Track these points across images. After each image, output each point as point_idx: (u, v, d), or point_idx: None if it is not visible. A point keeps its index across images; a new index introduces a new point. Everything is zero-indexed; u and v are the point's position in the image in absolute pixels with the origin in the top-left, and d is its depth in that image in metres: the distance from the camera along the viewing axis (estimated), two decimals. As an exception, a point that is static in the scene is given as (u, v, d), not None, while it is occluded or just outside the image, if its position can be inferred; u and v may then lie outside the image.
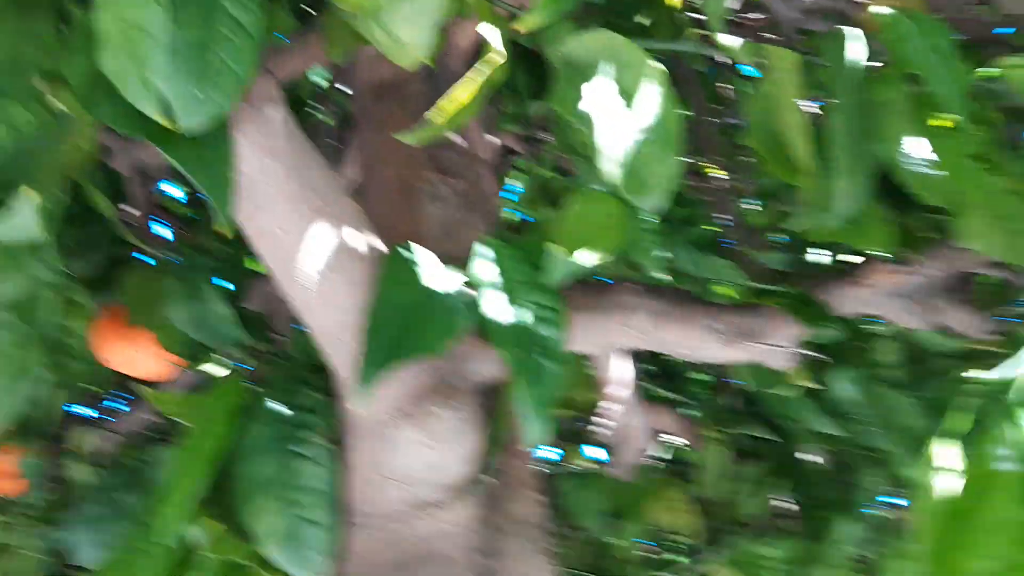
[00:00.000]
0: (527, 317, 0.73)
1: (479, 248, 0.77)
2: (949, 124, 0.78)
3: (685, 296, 1.01)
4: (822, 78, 0.70)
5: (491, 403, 0.82)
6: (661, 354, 1.20)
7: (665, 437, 1.43)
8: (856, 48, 0.71)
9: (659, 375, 1.53)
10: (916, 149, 0.78)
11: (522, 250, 0.77)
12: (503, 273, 0.75)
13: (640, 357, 1.38)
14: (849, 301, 1.03)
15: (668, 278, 1.08)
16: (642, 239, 0.92)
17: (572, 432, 1.46)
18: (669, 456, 1.47)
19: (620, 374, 1.22)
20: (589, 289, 1.00)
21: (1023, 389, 0.44)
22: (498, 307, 0.74)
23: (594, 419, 1.33)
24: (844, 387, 1.07)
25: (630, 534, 1.52)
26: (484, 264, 0.76)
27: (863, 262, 1.02)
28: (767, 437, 1.27)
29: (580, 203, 0.76)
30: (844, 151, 0.67)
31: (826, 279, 1.04)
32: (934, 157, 0.77)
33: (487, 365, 0.79)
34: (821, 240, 0.97)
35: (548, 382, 0.73)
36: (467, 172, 1.00)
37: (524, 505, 0.82)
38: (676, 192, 1.00)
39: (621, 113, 0.70)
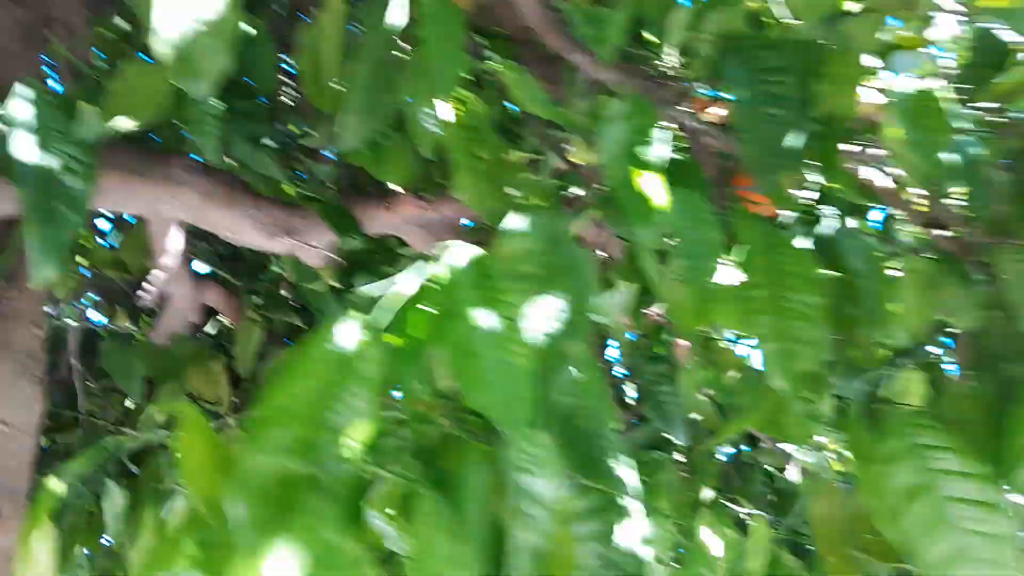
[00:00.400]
0: (54, 164, 0.78)
1: (19, 87, 0.79)
2: (460, 95, 1.00)
3: (236, 183, 1.12)
4: (362, 30, 0.85)
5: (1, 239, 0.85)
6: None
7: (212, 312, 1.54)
8: (396, 13, 0.87)
9: (224, 256, 1.63)
10: (439, 110, 0.98)
11: (65, 101, 0.81)
12: (39, 117, 0.78)
13: (201, 235, 1.45)
14: (379, 222, 1.23)
15: (232, 163, 1.18)
16: (205, 122, 1.00)
17: (120, 294, 1.48)
18: (213, 330, 1.58)
19: (171, 244, 1.29)
20: (145, 156, 1.05)
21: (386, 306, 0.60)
22: (26, 148, 0.77)
23: (143, 284, 1.38)
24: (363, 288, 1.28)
25: (165, 397, 1.60)
26: (22, 104, 0.78)
27: (396, 193, 1.23)
28: (299, 324, 1.45)
29: (132, 72, 0.82)
30: (358, 94, 0.83)
31: (365, 200, 1.23)
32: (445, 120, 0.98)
33: (3, 201, 0.82)
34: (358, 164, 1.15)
35: (63, 229, 0.79)
36: (40, 5, 0.98)
37: (22, 336, 0.87)
38: (246, 89, 1.10)
39: (184, 2, 0.78)
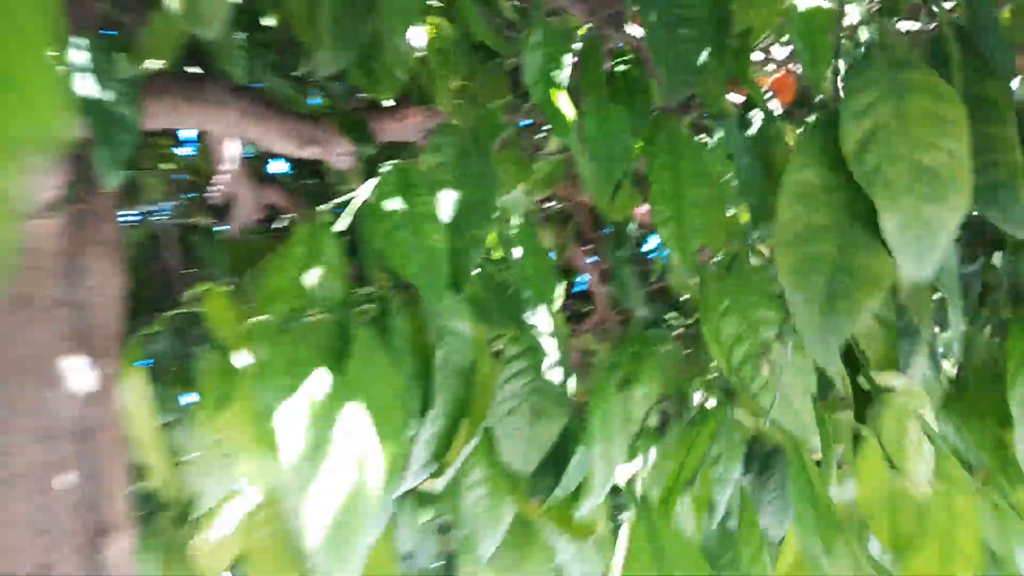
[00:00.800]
0: (108, 97, 1.04)
1: (75, 39, 1.04)
2: (431, 21, 1.19)
3: (269, 103, 1.35)
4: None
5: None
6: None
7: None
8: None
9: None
10: (412, 37, 1.17)
11: (110, 47, 1.06)
12: (93, 61, 1.04)
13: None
14: (390, 131, 1.45)
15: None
16: (231, 53, 1.24)
17: (197, 194, 1.79)
18: (281, 224, 1.87)
19: (229, 152, 1.56)
20: (192, 84, 1.30)
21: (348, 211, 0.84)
22: (87, 87, 1.03)
23: (210, 186, 1.67)
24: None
25: (246, 284, 1.92)
26: (79, 52, 1.04)
27: (405, 105, 1.43)
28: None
29: (158, 22, 1.06)
30: (329, 27, 1.04)
31: (380, 113, 1.44)
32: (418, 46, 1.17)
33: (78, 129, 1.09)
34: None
35: (121, 147, 1.05)
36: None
37: (104, 229, 1.15)
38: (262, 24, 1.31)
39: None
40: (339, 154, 1.43)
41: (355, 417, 0.58)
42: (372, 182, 0.89)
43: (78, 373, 1.06)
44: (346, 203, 0.92)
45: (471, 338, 0.77)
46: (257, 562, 0.83)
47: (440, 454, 0.68)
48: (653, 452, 1.21)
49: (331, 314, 0.70)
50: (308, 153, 1.42)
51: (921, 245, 0.50)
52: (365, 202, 0.87)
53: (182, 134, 1.79)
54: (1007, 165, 0.57)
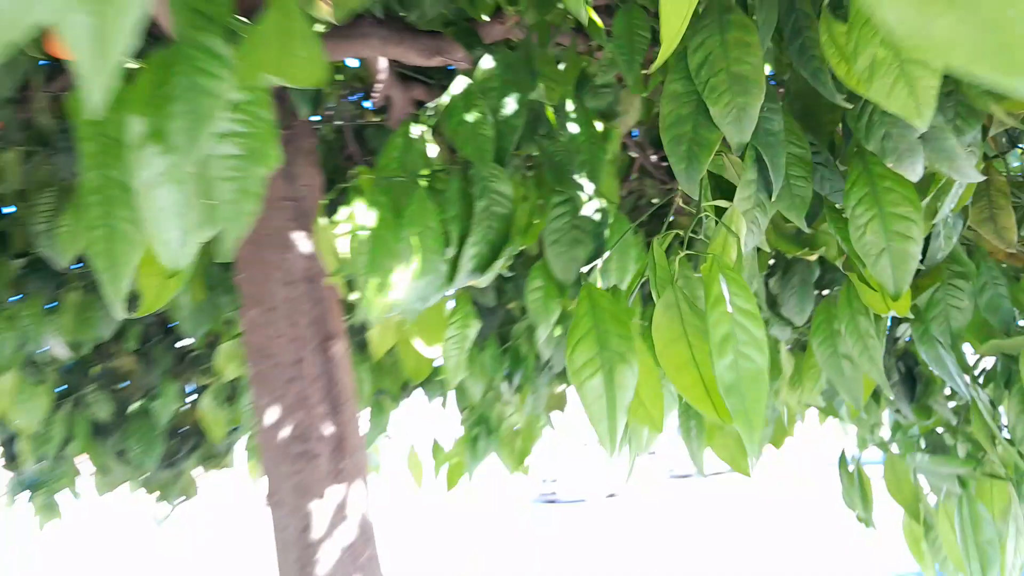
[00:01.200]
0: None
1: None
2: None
3: (403, 27, 1.79)
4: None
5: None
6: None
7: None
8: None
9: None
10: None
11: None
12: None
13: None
14: (493, 35, 1.83)
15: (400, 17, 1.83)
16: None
17: (363, 98, 2.28)
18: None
19: (381, 65, 2.02)
20: (344, 27, 1.76)
21: (437, 111, 1.29)
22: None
23: (371, 92, 2.16)
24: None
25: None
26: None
27: (497, 16, 1.81)
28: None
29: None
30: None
31: (481, 24, 1.83)
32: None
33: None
34: None
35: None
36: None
37: (306, 140, 1.68)
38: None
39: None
40: (458, 58, 1.85)
41: (408, 238, 1.06)
42: (450, 89, 1.30)
43: (301, 242, 1.62)
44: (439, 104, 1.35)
45: (509, 194, 1.20)
46: (406, 347, 1.37)
47: (481, 268, 1.14)
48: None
49: (410, 178, 1.17)
50: (436, 61, 1.85)
51: (738, 122, 0.86)
52: (445, 105, 1.30)
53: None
54: (817, 54, 0.91)
